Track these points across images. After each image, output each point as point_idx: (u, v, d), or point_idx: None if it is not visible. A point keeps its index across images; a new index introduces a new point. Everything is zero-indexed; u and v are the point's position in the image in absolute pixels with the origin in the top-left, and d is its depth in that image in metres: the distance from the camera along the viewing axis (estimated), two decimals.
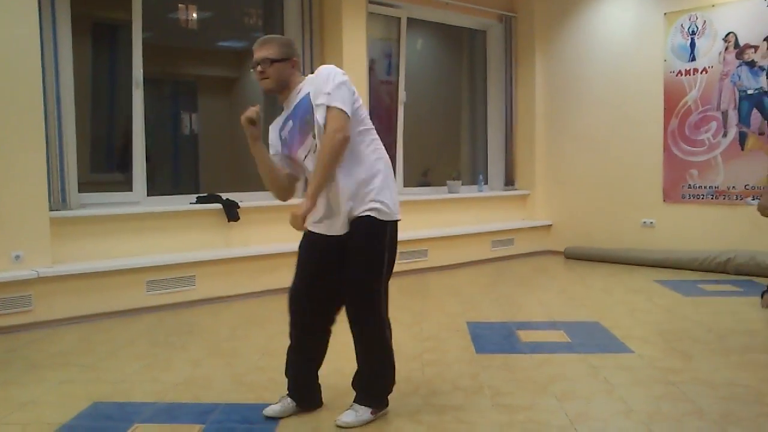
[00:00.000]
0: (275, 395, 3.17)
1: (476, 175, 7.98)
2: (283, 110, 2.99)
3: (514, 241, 7.70)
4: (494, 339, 4.21)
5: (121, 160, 6.16)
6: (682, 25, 6.79)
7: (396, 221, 2.89)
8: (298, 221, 2.74)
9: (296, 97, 2.89)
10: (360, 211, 2.79)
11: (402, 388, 3.26)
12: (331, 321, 2.99)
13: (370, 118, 2.99)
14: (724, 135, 6.54)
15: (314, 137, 2.79)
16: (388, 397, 2.97)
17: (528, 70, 8.00)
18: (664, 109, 6.93)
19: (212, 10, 7.47)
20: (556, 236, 7.96)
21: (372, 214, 2.79)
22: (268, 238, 5.95)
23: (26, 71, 4.51)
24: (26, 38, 4.51)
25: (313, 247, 2.93)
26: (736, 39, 6.44)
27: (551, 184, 8.00)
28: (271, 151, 2.99)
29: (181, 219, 5.49)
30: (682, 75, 6.80)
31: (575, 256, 7.53)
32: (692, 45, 6.73)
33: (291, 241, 5.96)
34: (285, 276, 5.69)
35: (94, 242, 5.03)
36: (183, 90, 8.31)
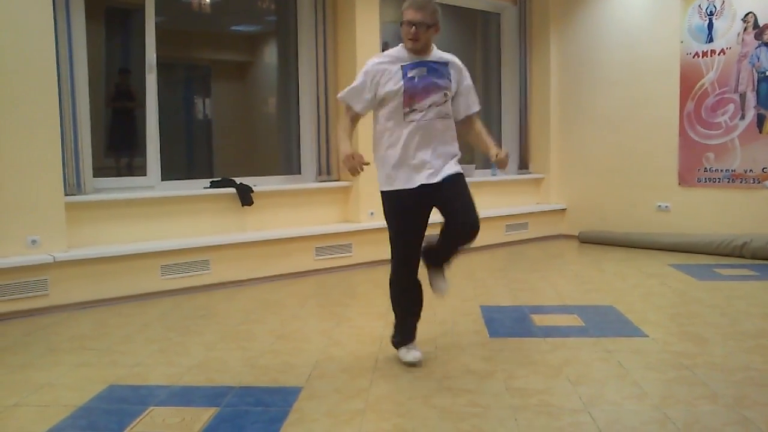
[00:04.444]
0: (289, 378, 3.20)
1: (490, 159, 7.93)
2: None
3: (528, 225, 7.67)
4: (508, 323, 4.21)
5: (137, 144, 6.19)
6: (699, 6, 6.70)
7: (385, 191, 3.33)
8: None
9: (433, 56, 3.30)
10: None
11: (415, 371, 3.29)
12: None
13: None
14: (742, 117, 6.46)
15: (444, 96, 3.25)
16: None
17: (543, 52, 7.93)
18: (680, 91, 6.85)
19: None
20: (571, 220, 7.92)
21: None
22: (282, 222, 5.97)
23: (40, 56, 4.52)
24: (40, 23, 4.52)
25: None
26: (756, 19, 6.35)
27: (566, 168, 7.95)
28: (378, 81, 3.27)
29: (196, 203, 5.51)
30: (699, 57, 6.71)
31: (589, 240, 7.49)
32: (710, 26, 6.64)
33: (304, 225, 6.02)
34: (299, 260, 5.78)
35: (109, 227, 5.06)
36: (197, 74, 8.32)
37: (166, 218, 5.34)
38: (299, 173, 6.45)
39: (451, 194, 3.24)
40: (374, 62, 3.31)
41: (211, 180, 5.78)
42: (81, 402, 2.93)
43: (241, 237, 5.54)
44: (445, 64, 3.31)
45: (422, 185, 3.24)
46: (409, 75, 3.23)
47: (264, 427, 2.63)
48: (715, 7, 6.60)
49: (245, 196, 5.68)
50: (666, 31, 6.93)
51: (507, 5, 7.92)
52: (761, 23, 6.31)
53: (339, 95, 3.39)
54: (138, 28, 5.54)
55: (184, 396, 3.00)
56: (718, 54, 6.58)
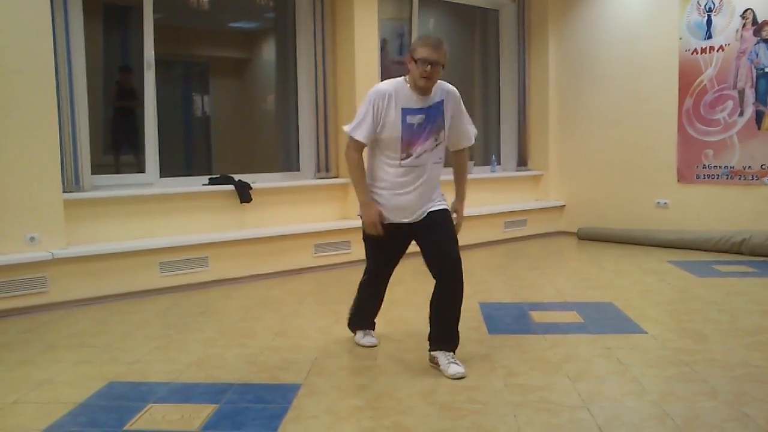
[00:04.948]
0: (289, 375, 3.20)
1: (489, 155, 7.94)
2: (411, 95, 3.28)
3: (526, 222, 7.67)
4: (507, 320, 4.21)
5: (135, 141, 6.18)
6: (698, 2, 6.69)
7: None
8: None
9: (433, 96, 3.29)
10: None
11: (414, 368, 3.29)
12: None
13: None
14: (740, 114, 6.46)
15: (435, 141, 3.30)
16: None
17: (541, 49, 7.92)
18: (679, 88, 6.85)
19: None
20: (569, 217, 7.92)
21: None
22: (280, 219, 5.97)
23: (38, 53, 4.51)
24: (38, 20, 4.51)
25: None
26: (754, 15, 6.34)
27: (564, 165, 7.95)
28: (382, 125, 3.26)
29: (194, 200, 5.51)
30: (697, 53, 6.71)
31: (588, 237, 7.50)
32: (709, 22, 6.63)
33: (303, 222, 6.02)
34: (297, 257, 5.78)
35: (107, 224, 5.05)
36: (195, 71, 8.30)
37: (165, 215, 5.33)
38: (298, 170, 6.44)
39: (435, 227, 3.34)
40: (378, 92, 3.25)
41: (209, 177, 5.78)
42: (80, 399, 2.93)
43: (240, 234, 5.53)
44: (440, 102, 3.30)
45: (405, 223, 3.37)
46: (408, 121, 3.24)
47: (263, 424, 2.63)
48: (713, 3, 6.59)
49: (244, 193, 5.68)
50: (664, 28, 6.93)
51: (506, 2, 7.91)
52: (760, 19, 6.31)
53: (346, 128, 3.32)
54: (136, 25, 5.53)
55: (184, 393, 3.00)
56: (717, 50, 6.58)
